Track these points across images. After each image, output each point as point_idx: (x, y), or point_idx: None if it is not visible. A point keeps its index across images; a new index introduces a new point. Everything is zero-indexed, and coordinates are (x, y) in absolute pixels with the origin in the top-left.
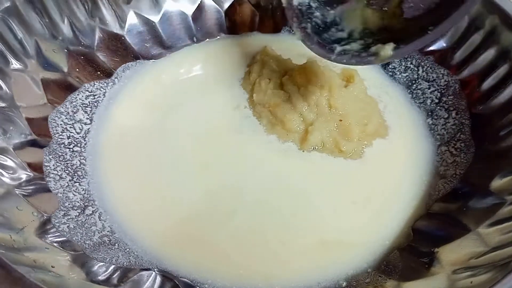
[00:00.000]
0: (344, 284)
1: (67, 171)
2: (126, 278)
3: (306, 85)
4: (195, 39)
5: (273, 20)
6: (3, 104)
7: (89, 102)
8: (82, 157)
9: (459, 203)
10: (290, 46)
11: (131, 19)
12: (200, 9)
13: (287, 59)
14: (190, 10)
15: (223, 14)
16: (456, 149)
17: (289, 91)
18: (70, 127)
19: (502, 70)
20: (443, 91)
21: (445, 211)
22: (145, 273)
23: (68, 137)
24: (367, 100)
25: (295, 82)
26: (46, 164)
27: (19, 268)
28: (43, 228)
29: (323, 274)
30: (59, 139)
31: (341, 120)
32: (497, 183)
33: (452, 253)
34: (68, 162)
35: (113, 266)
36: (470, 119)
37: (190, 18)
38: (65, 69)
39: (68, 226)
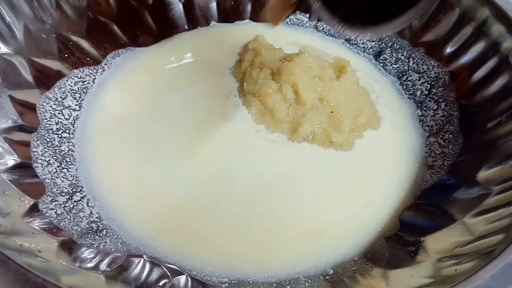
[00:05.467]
0: (331, 271)
1: (55, 157)
2: (115, 264)
3: (297, 76)
4: (186, 27)
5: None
6: None
7: (78, 88)
8: (70, 144)
9: (446, 193)
10: (282, 35)
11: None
12: None
13: (279, 49)
14: None
15: (215, 2)
16: (445, 140)
17: (280, 81)
18: (59, 113)
19: (491, 63)
20: (433, 83)
21: (432, 201)
22: (133, 259)
23: (57, 123)
24: (359, 91)
25: (286, 72)
26: (33, 149)
27: (5, 251)
28: (30, 213)
29: (311, 261)
30: (47, 125)
31: (332, 112)
32: (483, 173)
33: (438, 242)
34: (56, 148)
35: (101, 252)
36: (458, 111)
37: (181, 5)
38: (54, 55)
39: (55, 212)
